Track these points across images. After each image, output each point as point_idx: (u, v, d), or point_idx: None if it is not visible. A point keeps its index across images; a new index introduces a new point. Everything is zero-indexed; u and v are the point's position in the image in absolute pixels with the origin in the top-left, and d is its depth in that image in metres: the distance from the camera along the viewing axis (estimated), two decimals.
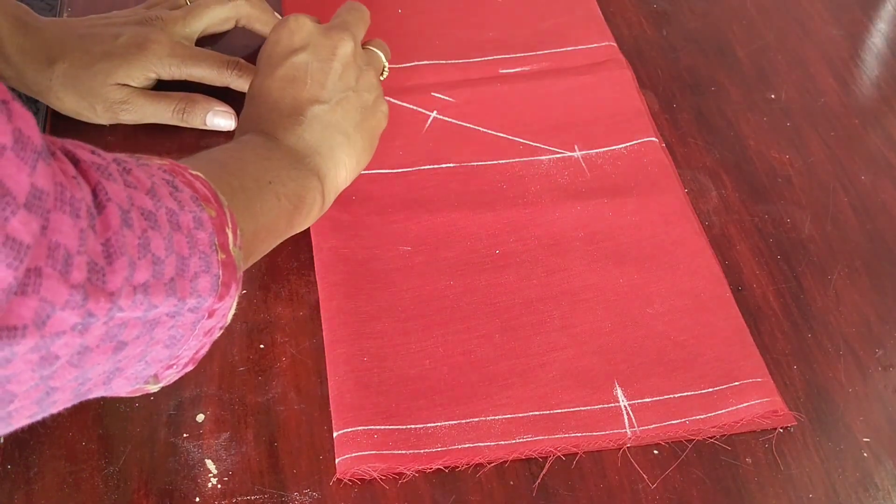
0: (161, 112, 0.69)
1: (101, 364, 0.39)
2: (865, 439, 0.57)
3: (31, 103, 0.72)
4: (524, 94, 0.74)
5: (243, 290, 0.61)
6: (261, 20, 0.75)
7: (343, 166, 0.60)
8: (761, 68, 0.79)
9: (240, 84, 0.71)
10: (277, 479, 0.54)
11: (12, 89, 0.70)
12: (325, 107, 0.60)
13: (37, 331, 0.33)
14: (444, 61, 0.76)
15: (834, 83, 0.78)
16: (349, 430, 0.55)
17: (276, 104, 0.60)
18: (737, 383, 0.58)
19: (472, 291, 0.62)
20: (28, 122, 0.32)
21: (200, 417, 0.56)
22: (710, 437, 0.56)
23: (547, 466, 0.55)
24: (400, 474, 0.54)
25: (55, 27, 0.69)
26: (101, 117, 0.69)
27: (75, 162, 0.37)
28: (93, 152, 0.39)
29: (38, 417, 0.38)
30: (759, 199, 0.69)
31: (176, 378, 0.47)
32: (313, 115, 0.59)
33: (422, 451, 0.54)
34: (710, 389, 0.57)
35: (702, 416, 0.56)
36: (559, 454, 0.55)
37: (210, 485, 0.53)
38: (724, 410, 0.57)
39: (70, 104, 0.69)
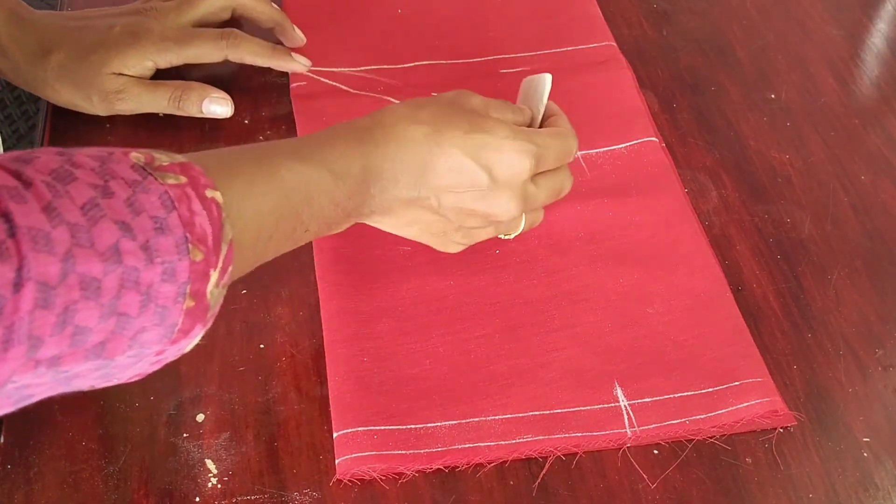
0: (157, 100, 0.69)
1: (3, 409, 0.38)
2: (865, 439, 0.57)
3: (32, 102, 0.72)
4: None
5: (243, 290, 0.61)
6: (257, 10, 0.74)
7: (380, 222, 0.57)
8: (761, 68, 0.79)
9: (238, 54, 0.70)
10: (277, 479, 0.54)
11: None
12: (436, 208, 0.56)
13: None
14: (444, 61, 0.76)
15: (834, 83, 0.78)
16: (349, 430, 0.55)
17: (425, 163, 0.54)
18: (737, 383, 0.58)
19: (472, 292, 0.62)
20: None
21: (200, 417, 0.56)
22: (710, 437, 0.56)
23: (547, 466, 0.55)
24: (400, 474, 0.54)
25: (50, 19, 0.69)
26: (97, 108, 0.69)
27: (11, 231, 0.35)
28: (47, 208, 0.36)
29: None
30: (759, 199, 0.69)
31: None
32: (424, 200, 0.55)
33: (422, 451, 0.54)
34: (710, 389, 0.57)
35: (702, 416, 0.56)
36: (559, 454, 0.55)
37: (210, 485, 0.53)
38: (724, 410, 0.57)
39: (66, 95, 0.68)
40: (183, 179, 0.42)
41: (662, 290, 0.62)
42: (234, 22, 0.76)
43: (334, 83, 0.74)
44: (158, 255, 0.40)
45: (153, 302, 0.40)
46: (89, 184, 0.39)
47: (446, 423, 0.56)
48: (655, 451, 0.56)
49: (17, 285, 0.35)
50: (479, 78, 0.75)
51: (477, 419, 0.56)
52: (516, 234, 0.63)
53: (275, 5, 0.75)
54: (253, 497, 0.53)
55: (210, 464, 0.54)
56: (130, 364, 0.42)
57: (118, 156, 0.41)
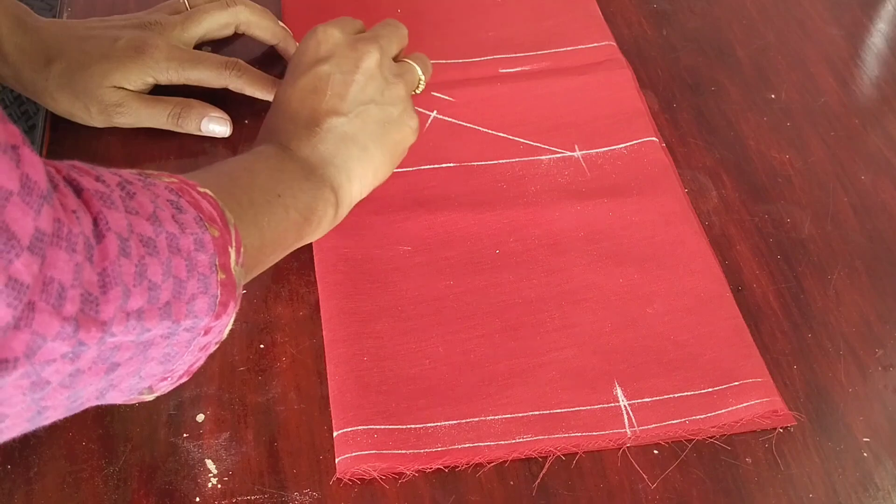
0: (156, 116, 0.69)
1: (94, 384, 0.40)
2: (865, 439, 0.57)
3: (32, 102, 0.72)
4: (524, 93, 0.74)
5: (243, 289, 0.61)
6: (260, 26, 0.74)
7: (357, 179, 0.60)
8: (761, 68, 0.79)
9: (238, 85, 0.71)
10: (277, 479, 0.54)
11: (13, 89, 0.70)
12: (343, 119, 0.60)
13: (27, 361, 0.34)
14: (443, 61, 0.76)
15: (834, 83, 0.78)
16: (349, 429, 0.55)
17: (294, 114, 0.60)
18: (737, 383, 0.58)
19: (472, 291, 0.62)
20: (36, 168, 0.34)
21: (200, 417, 0.56)
22: (710, 437, 0.56)
23: (547, 466, 0.55)
24: (400, 474, 0.54)
25: (54, 27, 0.69)
26: (95, 119, 0.69)
27: (78, 191, 0.38)
28: (97, 179, 0.40)
29: (29, 430, 0.40)
30: (759, 199, 0.69)
31: (170, 389, 0.48)
32: (330, 127, 0.59)
33: (422, 450, 0.54)
34: (710, 389, 0.57)
35: (702, 416, 0.56)
36: (559, 454, 0.55)
37: (210, 485, 0.53)
38: (724, 410, 0.57)
39: (65, 105, 0.69)
40: (174, 180, 0.47)
41: (662, 290, 0.62)
42: (238, 38, 0.76)
43: None
44: (186, 226, 0.43)
45: (195, 269, 0.43)
46: (112, 173, 0.42)
47: (446, 422, 0.56)
48: (655, 451, 0.56)
49: (100, 235, 0.38)
50: (479, 78, 0.75)
51: (477, 419, 0.56)
52: (423, 78, 0.68)
53: (279, 22, 0.75)
54: (253, 497, 0.53)
55: (210, 464, 0.54)
56: (187, 342, 0.44)
57: (113, 169, 0.44)
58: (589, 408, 0.57)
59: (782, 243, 0.67)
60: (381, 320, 0.60)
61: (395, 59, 0.66)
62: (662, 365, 0.59)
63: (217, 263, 0.44)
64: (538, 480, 0.54)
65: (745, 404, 0.57)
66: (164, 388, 0.47)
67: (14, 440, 0.54)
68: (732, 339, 0.60)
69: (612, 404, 0.57)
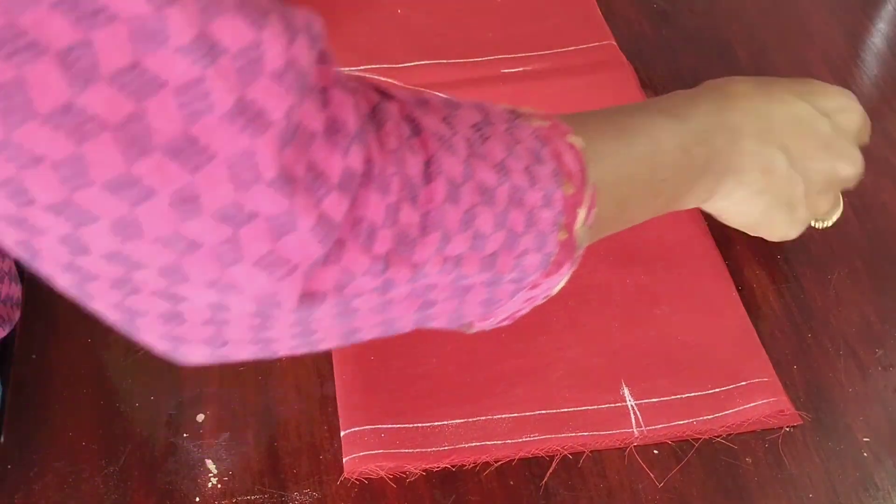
0: None
1: (407, 315, 0.40)
2: (865, 439, 0.57)
3: None
4: (526, 93, 0.74)
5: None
6: None
7: (730, 203, 0.56)
8: (761, 68, 0.79)
9: None
10: (277, 479, 0.54)
11: None
12: (785, 167, 0.55)
13: (336, 294, 0.35)
14: (444, 61, 0.76)
15: (834, 83, 0.78)
16: (356, 429, 0.55)
17: (769, 109, 0.55)
18: (743, 383, 0.58)
19: None
20: (344, 107, 0.35)
21: (200, 417, 0.56)
22: (717, 437, 0.56)
23: (553, 466, 0.55)
24: (406, 473, 0.54)
25: None
26: None
27: (417, 130, 0.38)
28: (445, 119, 0.40)
29: (345, 345, 0.41)
30: None
31: (491, 328, 0.48)
32: (773, 159, 0.55)
33: (428, 449, 0.54)
34: (717, 389, 0.57)
35: (709, 417, 0.56)
36: (565, 453, 0.55)
37: (210, 485, 0.53)
38: (731, 410, 0.57)
39: None
40: (547, 123, 0.45)
41: (669, 290, 0.62)
42: None
43: None
44: (538, 180, 0.42)
45: (535, 225, 0.42)
46: (474, 111, 0.42)
47: (453, 421, 0.56)
48: (655, 451, 0.56)
49: (429, 177, 0.38)
50: (480, 78, 0.75)
51: (483, 418, 0.56)
52: (834, 220, 0.62)
53: None
54: (253, 497, 0.53)
55: (210, 464, 0.54)
56: (511, 293, 0.44)
57: (488, 102, 0.44)
58: (596, 407, 0.57)
59: (782, 243, 0.66)
60: None
61: None
62: (669, 365, 0.59)
63: (562, 222, 0.44)
64: (538, 481, 0.54)
65: (752, 404, 0.57)
66: (486, 326, 0.47)
67: (14, 440, 0.54)
68: (739, 338, 0.60)
69: (619, 404, 0.57)
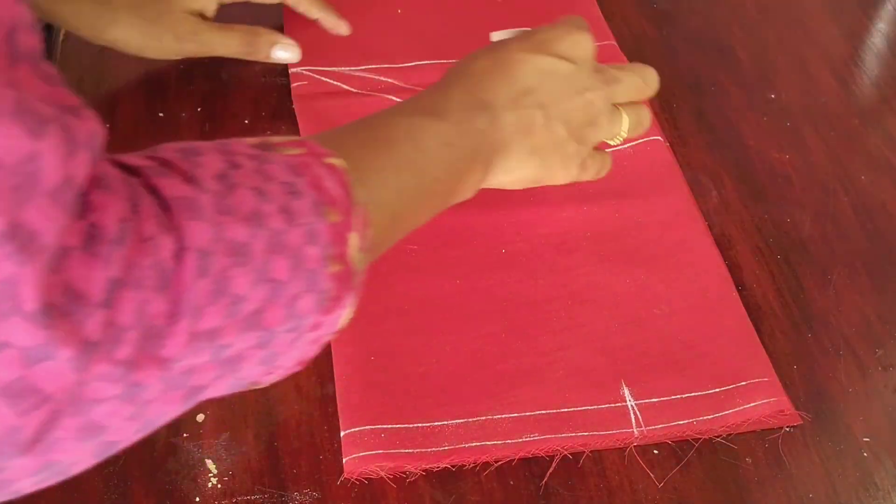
0: (228, 43, 0.70)
1: (172, 410, 0.38)
2: (865, 439, 0.57)
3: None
4: None
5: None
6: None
7: (508, 175, 0.57)
8: (761, 68, 0.79)
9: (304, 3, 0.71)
10: (277, 479, 0.54)
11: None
12: (543, 120, 0.56)
13: (71, 409, 0.33)
14: (444, 61, 0.76)
15: (834, 83, 0.78)
16: (356, 429, 0.55)
17: (513, 76, 0.56)
18: (744, 383, 0.58)
19: (478, 291, 0.62)
20: (105, 211, 0.32)
21: (200, 417, 0.56)
22: (717, 437, 0.56)
23: (553, 466, 0.55)
24: (406, 473, 0.54)
25: None
26: (167, 49, 0.69)
27: (164, 204, 0.36)
28: (187, 179, 0.37)
29: (97, 462, 0.38)
30: (759, 199, 0.69)
31: (280, 379, 0.45)
32: (531, 118, 0.56)
33: (429, 449, 0.54)
34: (717, 389, 0.58)
35: (709, 417, 0.56)
36: (565, 453, 0.55)
37: (210, 485, 0.53)
38: (731, 410, 0.57)
39: (135, 36, 0.68)
40: (301, 150, 0.43)
41: (669, 290, 0.62)
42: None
43: (335, 83, 0.74)
44: (297, 216, 0.40)
45: (301, 266, 0.40)
46: (217, 158, 0.39)
47: (453, 421, 0.56)
48: (655, 451, 0.56)
49: (179, 256, 0.35)
50: None
51: (484, 418, 0.56)
52: (624, 133, 0.61)
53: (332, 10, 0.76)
54: (253, 497, 0.53)
55: (210, 464, 0.54)
56: (290, 342, 0.41)
57: (234, 140, 0.42)
58: (596, 407, 0.57)
59: (782, 243, 0.67)
60: (387, 320, 0.60)
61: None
62: (669, 365, 0.59)
63: (332, 254, 0.41)
64: (538, 480, 0.54)
65: (752, 404, 0.57)
66: (273, 379, 0.44)
67: None
68: (739, 338, 0.60)
69: (620, 404, 0.57)
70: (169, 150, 0.39)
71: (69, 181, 0.30)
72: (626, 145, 0.71)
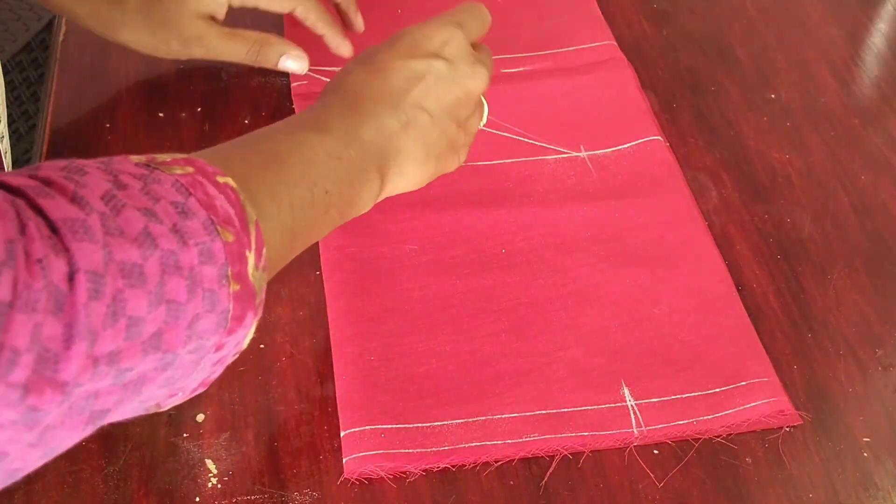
0: (235, 50, 0.69)
1: (75, 433, 0.37)
2: (865, 439, 0.57)
3: (33, 102, 0.71)
4: (527, 93, 0.74)
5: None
6: (318, 10, 0.73)
7: (405, 179, 0.57)
8: (761, 68, 0.79)
9: (306, 12, 0.71)
10: (277, 479, 0.54)
11: None
12: (431, 121, 0.57)
13: None
14: None
15: (834, 83, 0.78)
16: (356, 429, 0.55)
17: (390, 81, 0.56)
18: (744, 383, 0.58)
19: (478, 290, 0.62)
20: None
21: (200, 417, 0.56)
22: (717, 437, 0.56)
23: (553, 466, 0.55)
24: (406, 473, 0.54)
25: None
26: (175, 52, 0.69)
27: (52, 226, 0.35)
28: (73, 198, 0.36)
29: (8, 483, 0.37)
30: (759, 199, 0.69)
31: (184, 401, 0.45)
32: (417, 122, 0.56)
33: (429, 449, 0.54)
34: (717, 389, 0.58)
35: (709, 417, 0.56)
36: (566, 453, 0.55)
37: (210, 485, 0.53)
38: (731, 410, 0.57)
39: (145, 38, 0.69)
40: (190, 169, 0.42)
41: (669, 290, 0.62)
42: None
43: None
44: (190, 237, 0.39)
45: (199, 286, 0.39)
46: (102, 177, 0.38)
47: (453, 421, 0.56)
48: (655, 451, 0.56)
49: (71, 279, 0.34)
50: None
51: (483, 418, 0.56)
52: (485, 118, 0.63)
53: (332, 20, 0.75)
54: (253, 497, 0.53)
55: (210, 464, 0.54)
56: (193, 363, 0.41)
57: (118, 158, 0.41)
58: (596, 407, 0.57)
59: (782, 243, 0.67)
60: (387, 319, 0.60)
61: None
62: (669, 365, 0.59)
63: (230, 273, 0.40)
64: (538, 481, 0.54)
65: (752, 404, 0.57)
66: (176, 402, 0.44)
67: None
68: (739, 338, 0.60)
69: (620, 404, 0.57)
70: (51, 168, 0.38)
71: None
72: (626, 145, 0.71)
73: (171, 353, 0.38)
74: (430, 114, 0.57)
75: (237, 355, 0.44)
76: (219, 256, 0.40)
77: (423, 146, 0.57)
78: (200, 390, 0.44)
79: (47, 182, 0.36)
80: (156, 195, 0.39)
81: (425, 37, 0.58)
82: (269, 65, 0.70)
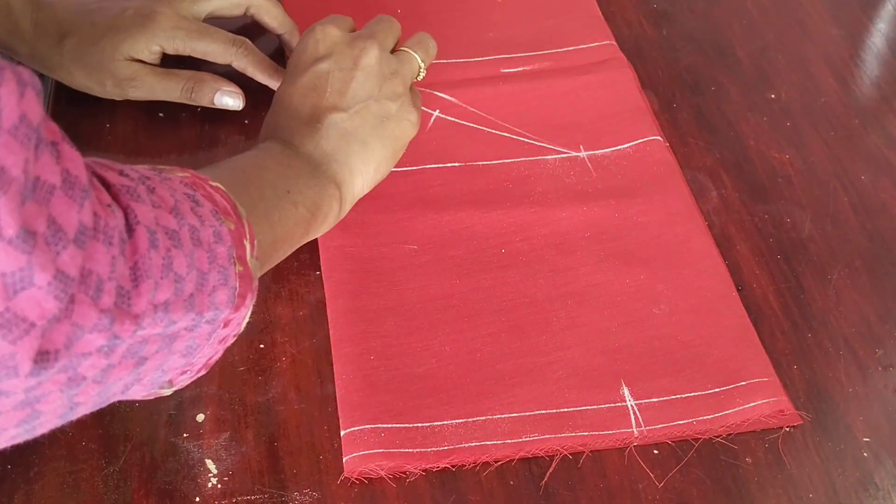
0: (169, 89, 0.69)
1: (123, 378, 0.40)
2: (865, 439, 0.57)
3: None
4: (527, 93, 0.74)
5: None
6: (270, 13, 0.74)
7: (360, 174, 0.60)
8: (761, 68, 0.79)
9: (243, 64, 0.71)
10: (277, 479, 0.54)
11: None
12: (344, 115, 0.60)
13: (67, 353, 0.35)
14: (444, 61, 0.76)
15: (834, 83, 0.78)
16: (356, 428, 0.55)
17: (296, 111, 0.60)
18: (743, 383, 0.58)
19: (478, 290, 0.62)
20: (76, 162, 0.35)
21: (200, 417, 0.56)
22: (717, 437, 0.56)
23: (553, 466, 0.55)
24: (406, 473, 0.54)
25: (67, 3, 0.70)
26: (110, 92, 0.69)
27: (107, 186, 0.39)
28: (121, 173, 0.41)
29: (58, 426, 0.40)
30: (759, 199, 0.69)
31: (189, 382, 0.48)
32: (330, 123, 0.59)
33: (428, 449, 0.54)
34: (717, 389, 0.58)
35: (709, 417, 0.56)
36: (566, 453, 0.55)
37: (210, 485, 0.53)
38: (731, 410, 0.57)
39: (81, 79, 0.69)
40: (187, 174, 0.47)
41: (669, 290, 0.62)
42: (247, 28, 0.76)
43: None
44: (205, 219, 0.44)
45: (216, 261, 0.43)
46: (134, 168, 0.43)
47: (453, 421, 0.56)
48: (655, 451, 0.56)
49: (130, 229, 0.38)
50: (480, 78, 0.75)
51: (483, 418, 0.56)
52: (423, 64, 0.66)
53: (286, 14, 0.75)
54: (253, 497, 0.53)
55: (210, 464, 0.54)
56: (207, 334, 0.44)
57: (127, 166, 0.45)
58: (596, 407, 0.57)
59: (782, 243, 0.67)
60: (387, 319, 0.60)
61: (393, 50, 0.66)
62: (669, 365, 0.59)
63: (234, 255, 0.45)
64: (538, 480, 0.54)
65: (752, 404, 0.57)
66: (184, 381, 0.48)
67: None
68: (739, 338, 0.60)
69: (619, 404, 0.57)
70: (90, 159, 0.41)
71: (24, 117, 0.32)
72: (625, 145, 0.71)
73: (199, 315, 0.42)
74: (339, 109, 0.60)
75: (236, 336, 0.48)
76: (226, 239, 0.45)
77: (359, 140, 0.60)
78: (203, 372, 0.48)
79: (97, 163, 0.40)
80: (172, 186, 0.44)
81: (300, 52, 0.62)
82: (204, 102, 0.70)
